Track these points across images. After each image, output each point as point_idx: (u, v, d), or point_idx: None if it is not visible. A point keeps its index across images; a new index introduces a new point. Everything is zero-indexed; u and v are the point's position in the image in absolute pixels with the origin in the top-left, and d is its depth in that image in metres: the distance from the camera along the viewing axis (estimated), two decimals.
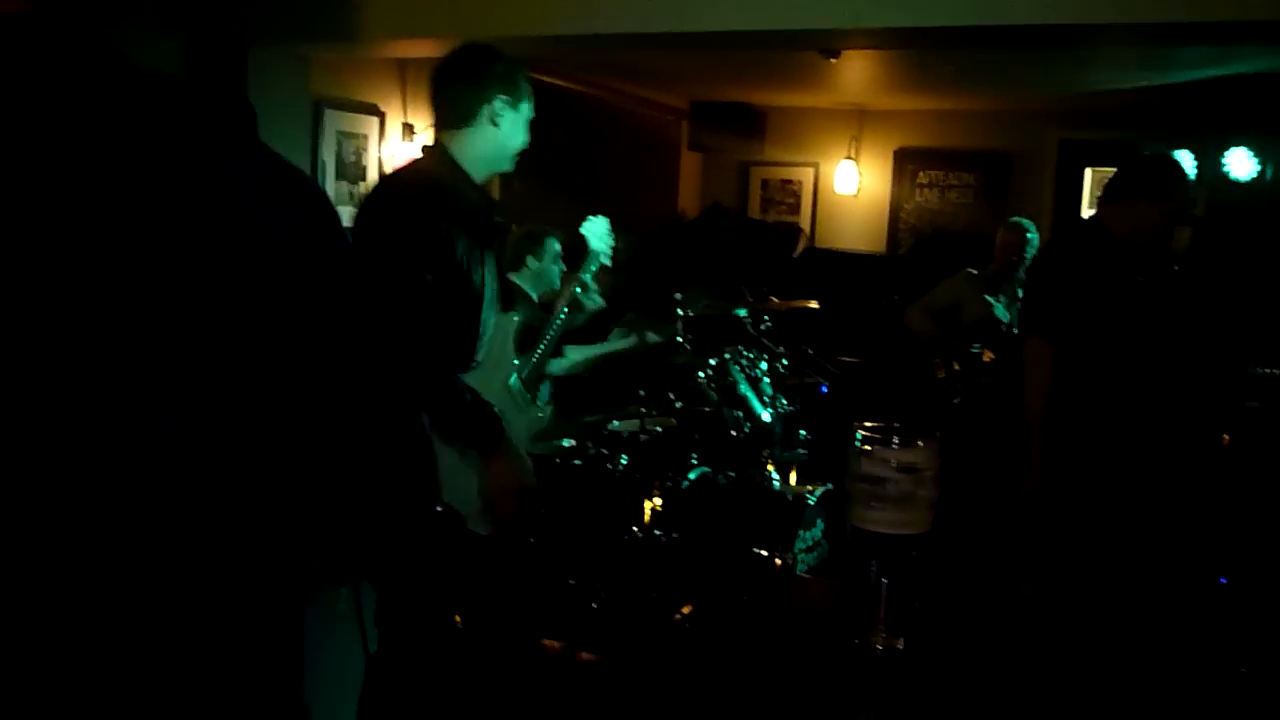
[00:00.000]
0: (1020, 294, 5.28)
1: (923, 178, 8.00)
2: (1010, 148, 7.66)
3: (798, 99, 7.88)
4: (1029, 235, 5.35)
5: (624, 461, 4.05)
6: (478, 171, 2.70)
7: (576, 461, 4.10)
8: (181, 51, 4.30)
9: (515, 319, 2.84)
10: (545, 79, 6.60)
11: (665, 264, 7.60)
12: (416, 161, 2.72)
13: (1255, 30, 3.47)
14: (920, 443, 1.22)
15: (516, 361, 2.86)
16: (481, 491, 2.62)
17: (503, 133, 2.68)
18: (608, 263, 3.18)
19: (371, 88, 5.38)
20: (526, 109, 2.74)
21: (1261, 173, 5.73)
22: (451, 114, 2.66)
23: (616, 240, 3.20)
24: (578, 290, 3.14)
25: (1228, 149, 5.81)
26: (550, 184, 6.73)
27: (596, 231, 3.17)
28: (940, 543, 1.22)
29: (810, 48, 5.02)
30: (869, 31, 4.06)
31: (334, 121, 5.13)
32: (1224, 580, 3.94)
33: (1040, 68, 5.71)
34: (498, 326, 2.75)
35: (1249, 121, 5.75)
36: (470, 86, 2.65)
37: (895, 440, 1.21)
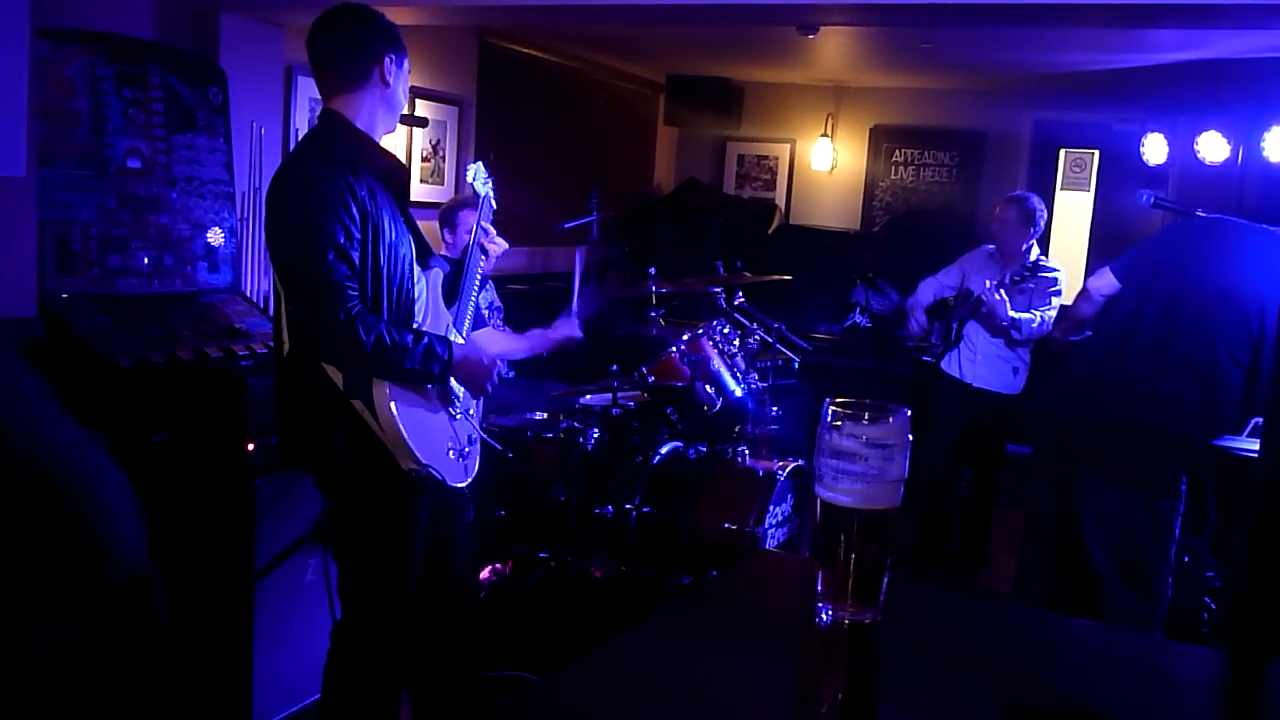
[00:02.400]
0: (1016, 279, 5.02)
1: (898, 156, 8.01)
2: (985, 127, 7.68)
3: (775, 75, 7.87)
4: (1030, 208, 4.97)
5: (595, 435, 4.06)
6: (375, 132, 2.66)
7: (548, 434, 4.10)
8: (152, 14, 4.24)
9: (438, 273, 2.84)
10: (520, 49, 6.55)
11: (640, 238, 7.60)
12: (314, 132, 2.68)
13: (1229, 13, 3.48)
14: (890, 419, 1.22)
15: (449, 315, 2.88)
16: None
17: (392, 90, 2.66)
18: (494, 205, 3.19)
19: None
20: (407, 64, 2.74)
21: (1233, 157, 5.78)
22: (343, 78, 2.62)
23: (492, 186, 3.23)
24: (483, 234, 3.11)
25: (1200, 133, 5.85)
26: (524, 156, 6.69)
27: (479, 176, 3.18)
28: (909, 517, 1.23)
29: (788, 23, 5.00)
30: (846, 7, 4.06)
31: (307, 88, 5.06)
32: None
33: (1016, 47, 5.71)
34: (427, 284, 2.77)
35: (1221, 105, 5.79)
36: (359, 47, 2.61)
37: (865, 416, 1.21)
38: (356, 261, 2.47)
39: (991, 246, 5.23)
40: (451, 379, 2.71)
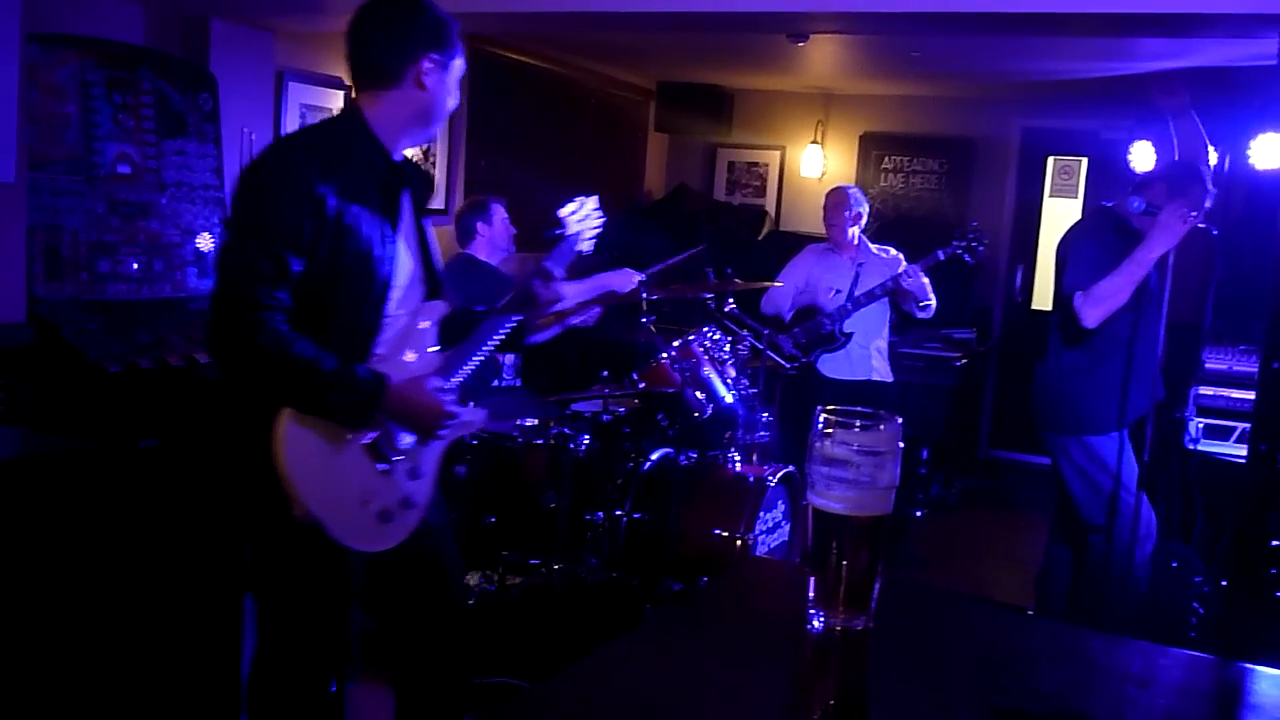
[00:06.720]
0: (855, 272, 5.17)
1: (887, 163, 8.03)
2: (974, 134, 7.71)
3: (765, 82, 7.88)
4: (852, 197, 5.19)
5: (586, 442, 4.06)
6: (396, 139, 2.34)
7: (539, 441, 4.10)
8: (142, 20, 4.23)
9: (440, 307, 2.48)
10: (511, 55, 6.55)
11: (630, 245, 7.59)
12: (325, 122, 2.45)
13: (1213, 23, 3.51)
14: (881, 426, 1.23)
15: (442, 357, 2.45)
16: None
17: (430, 95, 2.32)
18: (583, 248, 2.65)
19: (336, 60, 5.31)
20: (458, 67, 2.38)
21: (1219, 164, 5.80)
22: (372, 73, 2.31)
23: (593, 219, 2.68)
24: (542, 278, 2.52)
25: None
26: (515, 163, 6.68)
27: (578, 216, 2.62)
28: (901, 523, 1.23)
29: (777, 31, 5.02)
30: (835, 15, 4.07)
31: (298, 94, 5.07)
32: None
33: (1004, 56, 5.74)
34: (413, 315, 2.41)
35: (1208, 113, 5.82)
36: (394, 42, 2.29)
37: (857, 424, 1.22)
38: (297, 272, 2.14)
39: (821, 245, 5.39)
40: (390, 422, 2.29)
